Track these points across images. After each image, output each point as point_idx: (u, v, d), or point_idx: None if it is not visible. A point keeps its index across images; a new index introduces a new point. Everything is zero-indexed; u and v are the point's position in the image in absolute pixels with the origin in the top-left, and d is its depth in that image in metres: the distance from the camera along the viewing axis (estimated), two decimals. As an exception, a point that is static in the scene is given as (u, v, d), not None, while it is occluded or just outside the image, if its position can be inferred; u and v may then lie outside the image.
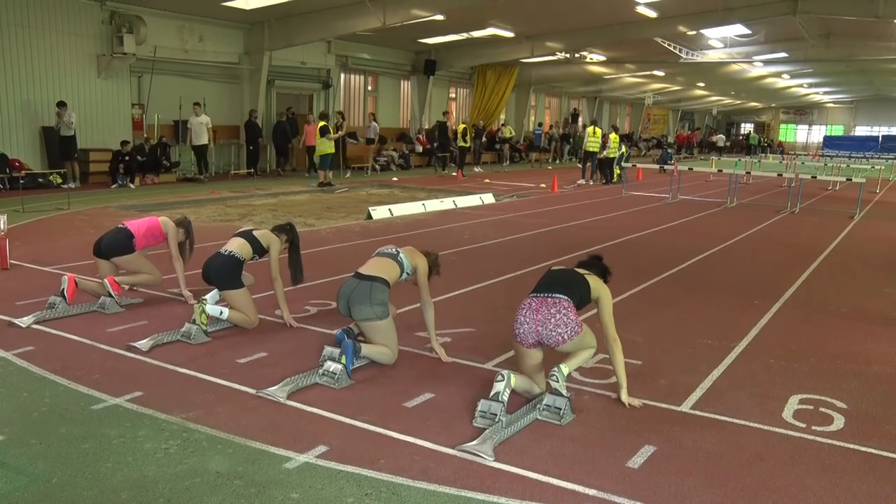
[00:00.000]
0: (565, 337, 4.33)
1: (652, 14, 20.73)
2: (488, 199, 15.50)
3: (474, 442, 3.82)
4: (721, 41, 27.30)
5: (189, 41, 18.07)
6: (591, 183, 21.04)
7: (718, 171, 20.20)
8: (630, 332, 6.09)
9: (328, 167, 17.34)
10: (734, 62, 32.05)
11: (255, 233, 5.98)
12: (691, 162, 32.75)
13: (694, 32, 24.66)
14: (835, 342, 6.02)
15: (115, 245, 6.36)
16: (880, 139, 54.23)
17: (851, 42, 27.69)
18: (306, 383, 4.58)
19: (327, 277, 7.58)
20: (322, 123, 17.10)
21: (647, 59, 29.90)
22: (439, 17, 19.06)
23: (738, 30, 25.12)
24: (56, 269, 7.56)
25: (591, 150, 21.33)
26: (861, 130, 59.25)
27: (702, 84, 41.48)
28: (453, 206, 14.24)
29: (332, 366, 4.67)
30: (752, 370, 5.21)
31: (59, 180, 15.33)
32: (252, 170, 19.32)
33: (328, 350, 4.94)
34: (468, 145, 23.27)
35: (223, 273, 5.68)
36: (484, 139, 28.47)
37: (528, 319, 4.41)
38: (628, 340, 5.78)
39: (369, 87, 25.57)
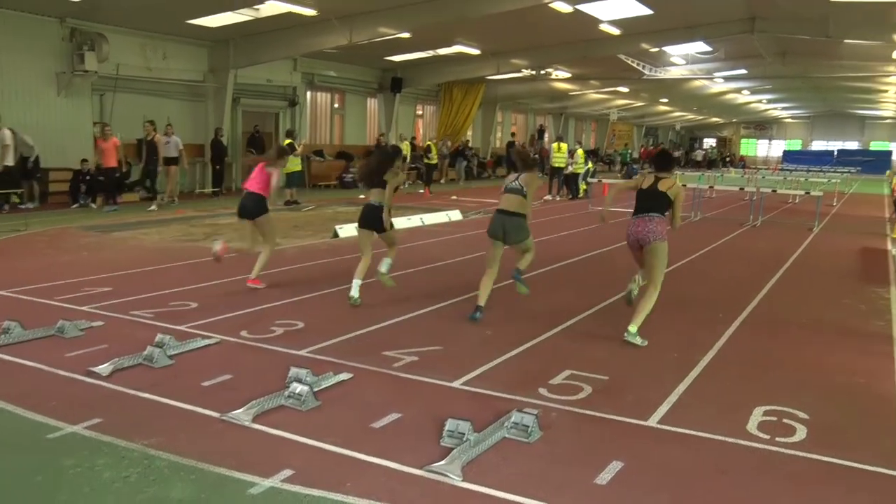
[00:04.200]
0: (657, 236, 6.23)
1: (615, 32, 21.02)
2: (455, 215, 15.49)
3: (442, 462, 3.78)
4: (683, 58, 27.79)
5: (153, 59, 17.88)
6: (558, 199, 21.19)
7: (682, 185, 20.45)
8: (596, 347, 6.11)
9: (295, 185, 17.22)
10: (696, 78, 32.65)
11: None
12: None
13: (656, 49, 25.07)
14: (796, 353, 6.10)
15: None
16: (836, 153, 55.65)
17: (806, 60, 28.41)
18: (272, 406, 4.50)
19: (293, 297, 7.50)
20: (287, 141, 17.00)
21: (611, 75, 30.27)
22: (406, 35, 19.12)
23: (699, 47, 25.63)
24: (11, 293, 7.37)
25: (557, 165, 21.48)
26: (818, 145, 60.66)
27: (665, 100, 42.18)
28: (420, 224, 14.21)
29: (297, 387, 4.60)
30: (718, 383, 5.25)
31: (18, 200, 15.00)
32: (218, 189, 19.12)
33: (294, 371, 4.87)
34: (435, 162, 23.32)
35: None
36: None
37: (632, 231, 6.38)
38: (595, 357, 5.80)
39: (336, 105, 25.52)
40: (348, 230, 12.41)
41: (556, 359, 5.68)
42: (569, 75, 29.69)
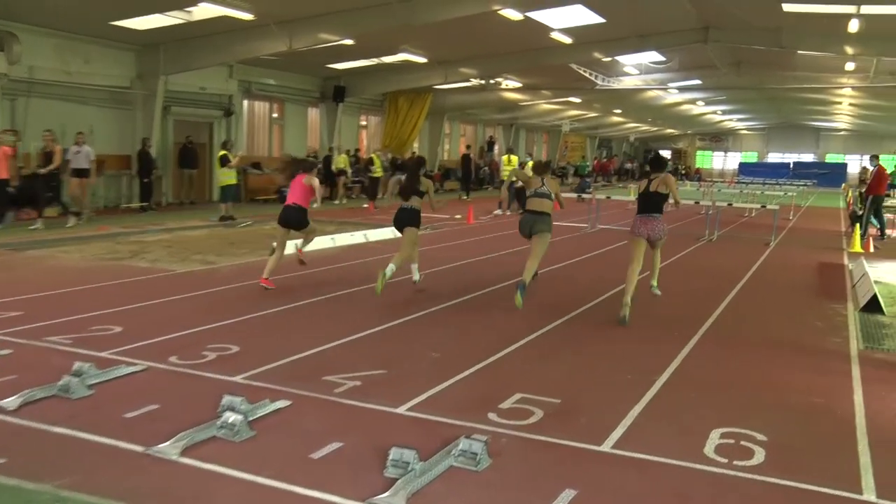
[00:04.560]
0: (661, 233, 8.34)
1: (567, 40, 21.38)
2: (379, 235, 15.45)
3: (386, 494, 3.74)
4: (636, 68, 28.41)
5: (73, 62, 17.43)
6: (508, 213, 21.32)
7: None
8: (548, 369, 6.14)
9: (230, 199, 16.98)
10: (649, 89, 33.43)
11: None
12: (610, 190, 33.72)
13: (609, 59, 25.59)
14: (753, 372, 6.24)
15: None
16: (792, 166, 57.48)
17: (760, 71, 29.37)
18: (202, 437, 4.39)
19: (228, 319, 7.37)
20: (222, 152, 16.76)
21: (563, 85, 30.77)
22: (349, 42, 19.11)
23: (652, 57, 26.26)
24: (-84, 318, 7.07)
25: (505, 178, 21.65)
26: (773, 157, 62.61)
27: (618, 111, 43.02)
28: (364, 240, 14.15)
29: (231, 417, 4.50)
30: (673, 404, 5.32)
31: None
32: (146, 203, 18.72)
33: (227, 399, 4.76)
34: (379, 175, 23.28)
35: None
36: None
37: (641, 228, 8.28)
38: (547, 378, 5.83)
39: (275, 115, 25.33)
40: (288, 247, 12.26)
41: (506, 381, 5.69)
42: (519, 85, 30.09)
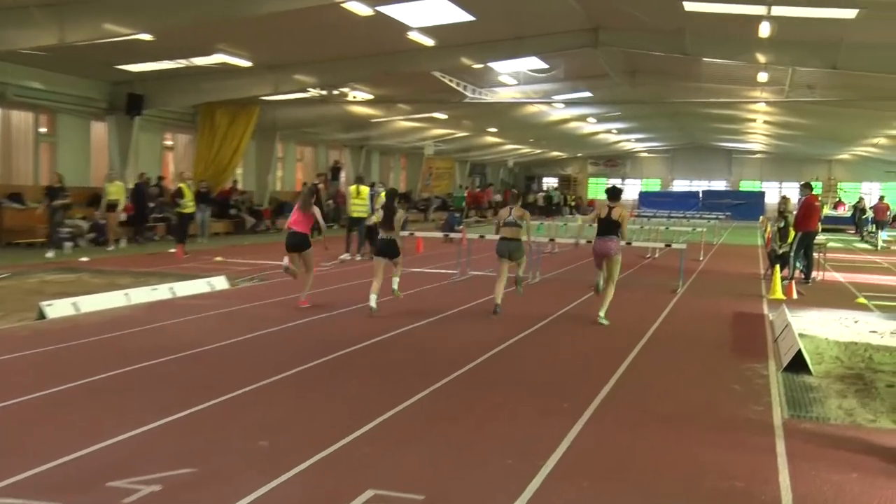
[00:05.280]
0: (615, 250, 12.26)
1: (428, 42, 21.75)
2: (220, 283, 15.15)
3: None
4: (514, 77, 29.32)
5: None
6: (359, 258, 21.27)
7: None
8: (410, 455, 6.11)
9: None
10: (530, 102, 34.55)
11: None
12: (484, 227, 34.38)
13: (481, 66, 26.30)
14: (659, 452, 6.43)
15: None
16: (701, 195, 60.57)
17: (660, 81, 31.01)
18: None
19: (-25, 408, 6.91)
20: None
21: (425, 98, 31.30)
22: (146, 38, 18.69)
23: (532, 63, 27.15)
24: None
25: (356, 215, 21.63)
26: (679, 184, 66.01)
27: (493, 129, 44.16)
28: (171, 296, 13.76)
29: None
30: (564, 497, 5.40)
31: None
32: None
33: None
34: (191, 210, 22.76)
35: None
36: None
37: (599, 248, 12.29)
38: (407, 468, 5.79)
39: (42, 129, 24.33)
40: (61, 307, 11.74)
41: (356, 474, 5.62)
42: (371, 97, 30.41)
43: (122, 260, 19.45)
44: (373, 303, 12.38)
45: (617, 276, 12.68)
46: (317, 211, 13.64)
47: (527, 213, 13.31)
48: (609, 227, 12.34)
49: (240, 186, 32.19)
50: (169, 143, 30.14)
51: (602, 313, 12.26)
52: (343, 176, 38.74)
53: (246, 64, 23.26)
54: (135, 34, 17.99)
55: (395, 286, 13.33)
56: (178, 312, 12.30)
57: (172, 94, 26.21)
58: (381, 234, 12.90)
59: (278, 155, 35.08)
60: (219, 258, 20.37)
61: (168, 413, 6.93)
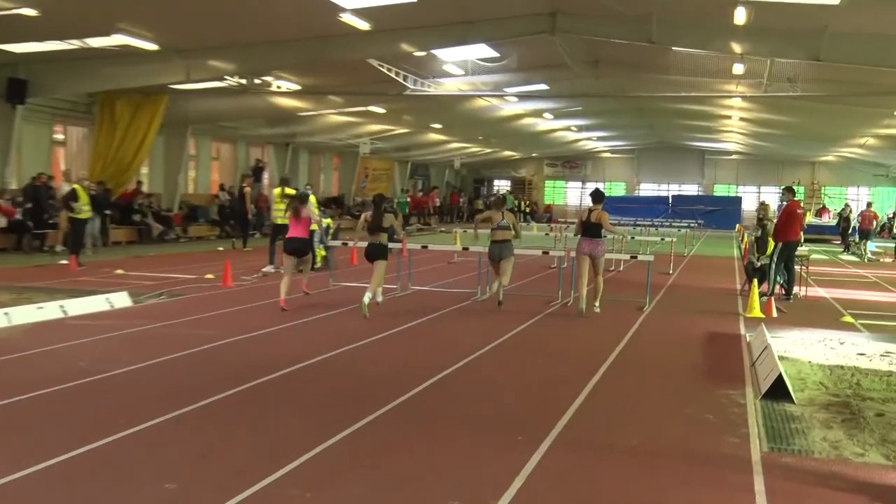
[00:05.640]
0: (601, 252, 15.70)
1: (363, 26, 21.65)
2: (121, 300, 14.93)
3: None
4: (461, 67, 29.36)
5: None
6: (283, 271, 21.15)
7: (464, 248, 21.43)
8: (335, 498, 6.04)
9: None
10: (479, 96, 34.63)
11: None
12: (428, 236, 34.33)
13: (424, 54, 26.30)
14: (625, 490, 6.43)
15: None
16: (670, 200, 61.28)
17: (625, 73, 31.31)
18: None
19: None
20: None
21: (360, 89, 31.23)
22: (30, 13, 18.32)
23: (482, 52, 27.21)
24: None
25: (281, 222, 21.43)
26: (647, 189, 66.70)
27: (438, 125, 44.26)
28: (61, 315, 13.52)
29: None
30: (516, 544, 5.37)
31: None
32: None
33: None
34: (86, 216, 22.42)
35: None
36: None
37: (585, 247, 15.51)
38: (336, 515, 5.72)
39: None
40: None
41: (275, 524, 5.53)
42: (298, 88, 30.27)
43: (1, 272, 19.09)
44: (379, 297, 15.24)
45: (602, 270, 16.00)
46: (312, 215, 16.41)
47: (514, 217, 16.66)
48: (593, 229, 15.52)
49: (145, 188, 31.73)
50: (60, 137, 29.61)
51: (597, 303, 15.66)
52: (266, 177, 38.52)
53: (151, 47, 22.92)
54: (15, 8, 17.64)
55: (375, 296, 14.99)
56: (69, 335, 12.06)
57: (64, 80, 25.68)
58: (371, 240, 14.89)
59: (190, 152, 34.79)
60: (120, 271, 20.09)
61: (53, 454, 6.77)
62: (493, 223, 15.94)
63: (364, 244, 15.38)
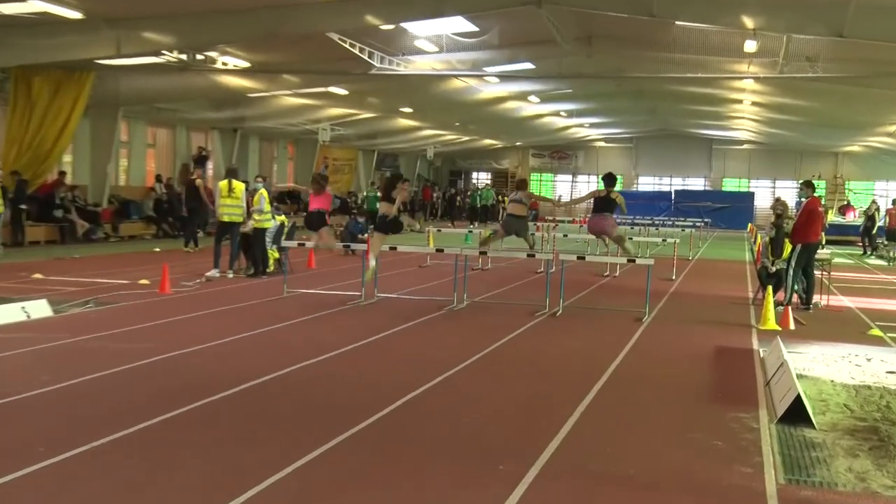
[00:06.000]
0: (611, 225, 19.49)
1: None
2: (40, 310, 14.80)
3: None
4: (434, 43, 29.25)
5: None
6: (231, 274, 21.04)
7: (438, 250, 21.32)
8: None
9: None
10: (455, 76, 34.60)
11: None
12: (396, 237, 34.21)
13: (392, 27, 26.20)
14: (622, 529, 6.40)
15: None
16: (673, 196, 61.36)
17: (621, 50, 31.34)
18: None
19: None
20: None
21: (319, 68, 31.10)
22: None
23: (459, 25, 27.11)
24: None
25: (228, 219, 21.34)
26: (646, 183, 66.92)
27: (408, 110, 44.25)
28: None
29: None
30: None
31: None
32: None
33: None
34: None
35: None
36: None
37: (595, 225, 19.44)
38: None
39: None
40: None
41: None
42: (247, 65, 30.11)
43: None
44: (372, 262, 17.44)
45: (622, 237, 19.67)
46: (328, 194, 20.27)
47: (532, 194, 22.05)
48: (607, 204, 18.66)
49: (68, 180, 31.51)
50: (-36, 118, 29.40)
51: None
52: (210, 168, 38.36)
53: (75, 15, 22.58)
54: None
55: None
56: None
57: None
58: (381, 212, 18.32)
59: (122, 138, 34.60)
60: (38, 275, 19.92)
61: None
62: (508, 196, 21.20)
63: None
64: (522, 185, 21.87)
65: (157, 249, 28.03)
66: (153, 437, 8.23)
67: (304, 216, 20.60)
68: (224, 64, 29.30)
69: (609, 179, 19.03)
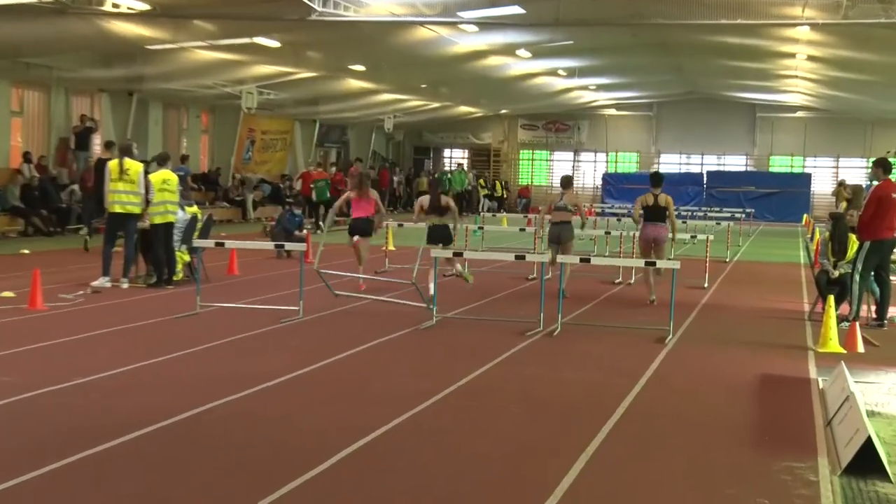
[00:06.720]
0: (664, 237, 22.95)
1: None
2: None
3: None
4: (393, -20, 29.36)
5: None
6: (126, 284, 20.95)
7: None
8: None
9: None
10: (422, 23, 34.51)
11: None
12: (343, 233, 34.21)
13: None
14: None
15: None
16: (705, 179, 61.34)
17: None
18: None
19: None
20: None
21: (242, 12, 30.98)
22: None
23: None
24: None
25: (120, 209, 21.13)
26: (668, 162, 66.67)
27: (360, 68, 44.03)
28: None
29: None
30: None
31: None
32: None
33: None
34: None
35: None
36: None
37: (649, 233, 22.48)
38: None
39: None
40: None
41: None
42: (146, 7, 29.98)
43: None
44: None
45: (665, 253, 22.42)
46: (374, 194, 22.64)
47: (578, 197, 23.66)
48: (658, 213, 21.43)
49: None
50: None
51: (653, 295, 21.13)
52: (97, 142, 38.16)
53: None
54: None
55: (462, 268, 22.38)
56: None
57: None
58: (435, 222, 20.86)
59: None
60: None
61: None
62: (554, 203, 22.48)
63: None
64: (567, 183, 23.28)
65: (26, 251, 27.91)
66: (49, 485, 8.19)
67: (349, 224, 22.75)
68: (115, 5, 29.08)
69: (656, 179, 22.11)
